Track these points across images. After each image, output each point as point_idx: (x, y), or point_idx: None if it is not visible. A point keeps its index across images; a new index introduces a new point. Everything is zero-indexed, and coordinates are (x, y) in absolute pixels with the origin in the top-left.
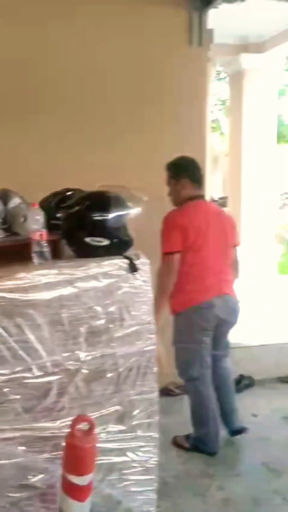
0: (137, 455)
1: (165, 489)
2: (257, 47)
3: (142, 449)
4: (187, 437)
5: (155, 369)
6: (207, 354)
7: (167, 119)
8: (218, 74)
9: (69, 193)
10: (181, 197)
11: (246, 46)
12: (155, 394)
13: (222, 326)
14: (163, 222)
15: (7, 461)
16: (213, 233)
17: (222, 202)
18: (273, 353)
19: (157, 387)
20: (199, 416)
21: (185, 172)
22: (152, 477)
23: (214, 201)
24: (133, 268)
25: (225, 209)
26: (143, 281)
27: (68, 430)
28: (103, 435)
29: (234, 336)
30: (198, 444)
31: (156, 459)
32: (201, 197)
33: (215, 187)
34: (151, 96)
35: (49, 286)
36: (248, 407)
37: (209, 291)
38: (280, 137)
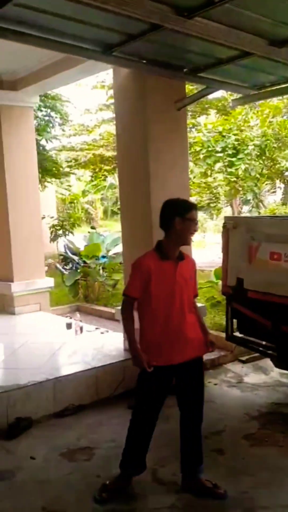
0: None
1: None
2: (12, 84)
3: None
4: None
5: None
6: None
7: None
8: None
9: None
10: None
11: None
12: None
13: None
14: None
15: None
16: None
17: None
18: (48, 389)
19: None
20: None
21: None
22: None
23: None
24: None
25: None
26: None
27: None
28: None
29: (7, 378)
30: None
31: None
32: None
33: None
34: None
35: None
36: (26, 450)
37: None
38: (47, 172)
